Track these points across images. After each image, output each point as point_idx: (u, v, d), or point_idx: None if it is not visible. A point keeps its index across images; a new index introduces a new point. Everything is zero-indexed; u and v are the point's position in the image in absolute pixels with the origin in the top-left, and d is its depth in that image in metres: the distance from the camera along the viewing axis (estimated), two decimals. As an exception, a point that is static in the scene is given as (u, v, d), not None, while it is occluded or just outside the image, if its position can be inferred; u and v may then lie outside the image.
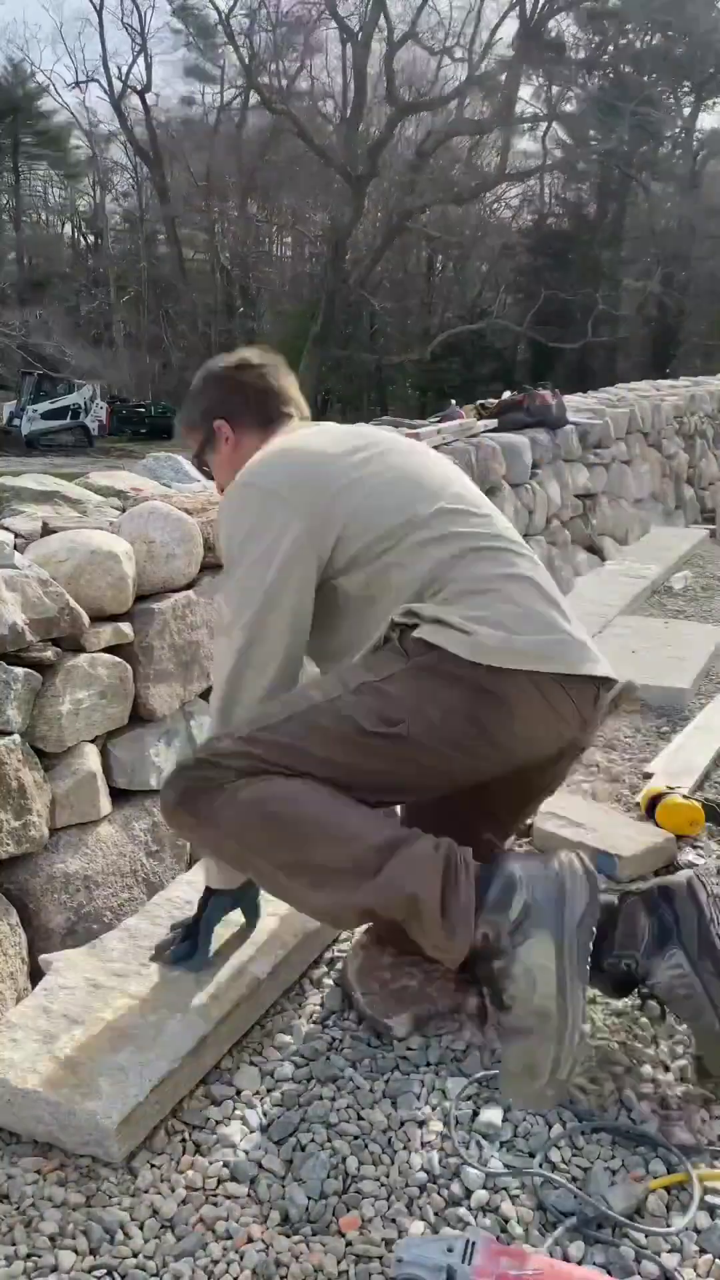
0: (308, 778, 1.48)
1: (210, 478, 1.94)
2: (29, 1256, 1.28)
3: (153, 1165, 1.42)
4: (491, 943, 1.38)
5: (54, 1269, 1.26)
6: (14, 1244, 1.30)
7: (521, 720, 1.51)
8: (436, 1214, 1.34)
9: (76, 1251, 1.28)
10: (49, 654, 1.90)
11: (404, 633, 1.53)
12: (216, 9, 31.00)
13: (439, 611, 1.51)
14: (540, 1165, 1.40)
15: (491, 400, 5.21)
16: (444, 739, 1.49)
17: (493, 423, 4.79)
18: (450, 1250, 1.20)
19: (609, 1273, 1.24)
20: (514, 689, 1.49)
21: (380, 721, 1.47)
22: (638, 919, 1.55)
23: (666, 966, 1.51)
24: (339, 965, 1.86)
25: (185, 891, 1.98)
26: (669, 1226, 1.31)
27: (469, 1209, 1.34)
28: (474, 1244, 1.20)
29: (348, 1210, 1.34)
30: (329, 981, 1.83)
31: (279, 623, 1.56)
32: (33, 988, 1.74)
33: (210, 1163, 1.42)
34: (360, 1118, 1.50)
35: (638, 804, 2.46)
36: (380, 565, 1.58)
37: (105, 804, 2.02)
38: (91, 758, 2.00)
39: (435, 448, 3.96)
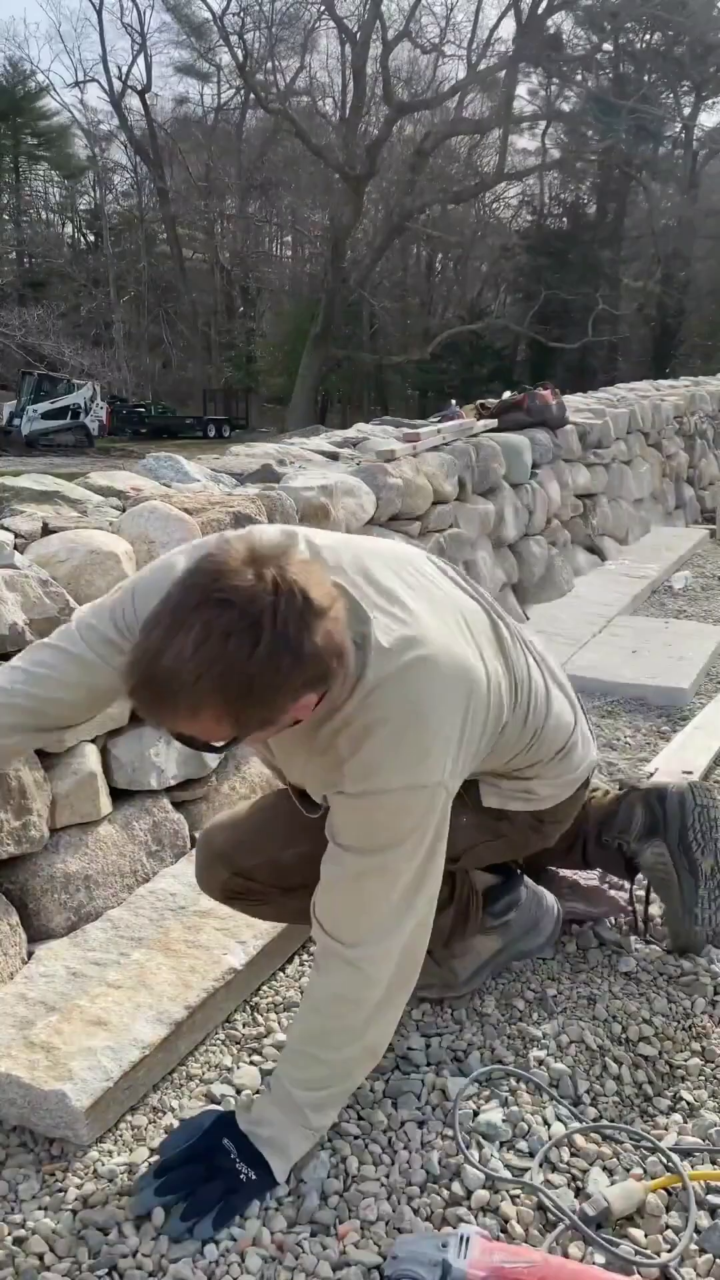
0: None
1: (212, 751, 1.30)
2: (19, 1258, 1.28)
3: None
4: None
5: (51, 1269, 1.26)
6: (7, 1246, 1.30)
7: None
8: (434, 1213, 1.34)
9: (74, 1252, 1.29)
10: (49, 654, 1.90)
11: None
12: (210, 9, 31.05)
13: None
14: (540, 1165, 1.40)
15: (491, 400, 5.21)
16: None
17: (493, 423, 4.79)
18: (445, 1246, 1.20)
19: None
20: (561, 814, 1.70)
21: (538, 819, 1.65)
22: (635, 810, 1.88)
23: (652, 851, 1.85)
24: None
25: (169, 884, 2.01)
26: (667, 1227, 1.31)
27: (469, 1209, 1.34)
28: (468, 1239, 1.20)
29: (349, 1210, 1.34)
30: (308, 973, 1.82)
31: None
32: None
33: (210, 1163, 1.42)
34: (360, 1118, 1.50)
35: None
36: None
37: (105, 804, 2.02)
38: (91, 758, 2.00)
39: (435, 448, 3.97)
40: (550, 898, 1.88)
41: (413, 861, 1.32)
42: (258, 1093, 1.55)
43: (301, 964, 1.90)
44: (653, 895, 1.95)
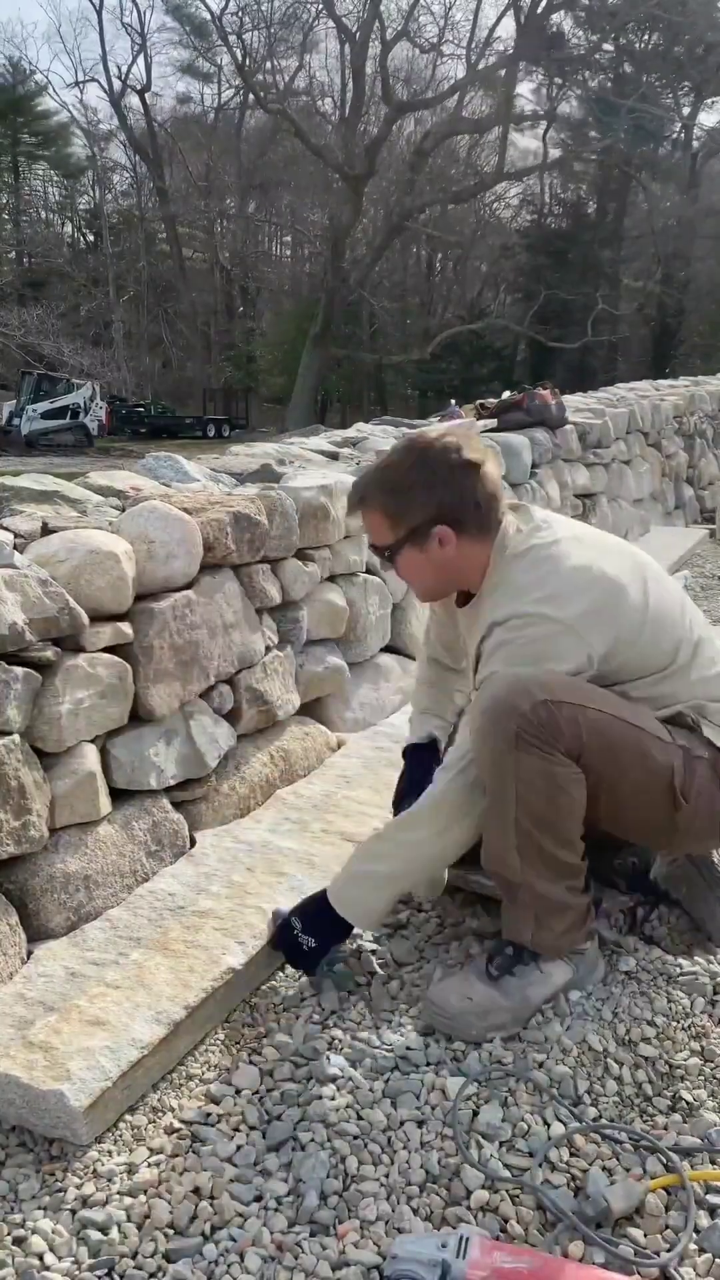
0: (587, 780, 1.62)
1: (387, 561, 1.79)
2: (19, 1257, 1.28)
3: (151, 1165, 1.43)
4: None
5: (51, 1269, 1.26)
6: (7, 1246, 1.30)
7: None
8: (434, 1213, 1.34)
9: (74, 1252, 1.29)
10: (49, 654, 1.90)
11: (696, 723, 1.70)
12: (209, 9, 31.02)
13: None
14: (540, 1166, 1.40)
15: (491, 400, 5.21)
16: (709, 821, 1.72)
17: (492, 422, 4.79)
18: (444, 1246, 1.20)
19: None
20: None
21: (682, 793, 1.66)
22: None
23: (664, 861, 1.91)
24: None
25: (168, 884, 2.02)
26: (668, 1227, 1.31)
27: (469, 1209, 1.34)
28: (468, 1239, 1.20)
29: (349, 1210, 1.34)
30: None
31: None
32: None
33: (210, 1162, 1.42)
34: (360, 1118, 1.50)
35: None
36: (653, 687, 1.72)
37: (105, 804, 2.02)
38: (91, 758, 2.00)
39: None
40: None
41: None
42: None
43: (301, 964, 1.90)
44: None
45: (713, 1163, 1.42)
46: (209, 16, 30.89)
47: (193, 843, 2.21)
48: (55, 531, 2.15)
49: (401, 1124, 1.49)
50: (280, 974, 1.87)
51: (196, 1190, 1.38)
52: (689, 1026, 1.68)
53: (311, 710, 2.88)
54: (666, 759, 1.65)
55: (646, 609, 1.70)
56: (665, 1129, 1.48)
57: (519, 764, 1.58)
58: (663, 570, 1.85)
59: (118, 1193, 1.38)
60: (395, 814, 2.00)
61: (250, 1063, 1.63)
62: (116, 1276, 1.26)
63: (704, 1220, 1.32)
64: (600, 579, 1.67)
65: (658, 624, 1.71)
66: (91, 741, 2.03)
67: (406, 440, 1.79)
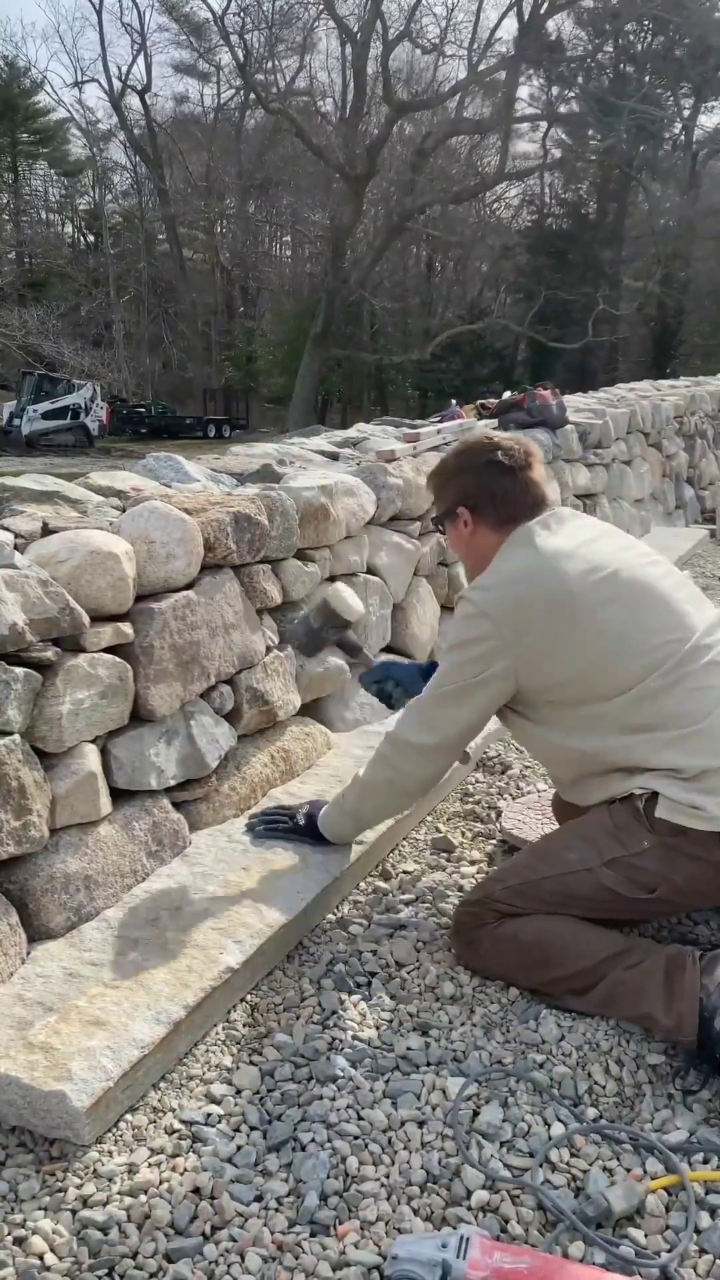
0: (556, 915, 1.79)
1: (440, 531, 2.20)
2: (19, 1257, 1.28)
3: (151, 1165, 1.43)
4: (704, 1005, 1.60)
5: (51, 1269, 1.26)
6: (7, 1246, 1.30)
7: None
8: (434, 1213, 1.34)
9: (74, 1252, 1.29)
10: (49, 654, 1.90)
11: (646, 803, 1.73)
12: (210, 8, 31.02)
13: (673, 788, 1.70)
14: (540, 1166, 1.40)
15: (492, 400, 5.21)
16: (690, 894, 1.78)
17: (493, 423, 4.79)
18: (444, 1246, 1.20)
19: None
20: None
21: (639, 889, 1.74)
22: None
23: None
24: (319, 955, 1.88)
25: (165, 884, 2.02)
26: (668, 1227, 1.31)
27: (469, 1209, 1.34)
28: (468, 1239, 1.20)
29: (349, 1210, 1.34)
30: (308, 973, 1.83)
31: (458, 732, 1.91)
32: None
33: (211, 1162, 1.42)
34: (360, 1118, 1.50)
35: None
36: (594, 711, 1.80)
37: (105, 804, 2.02)
38: (91, 758, 2.00)
39: (435, 448, 3.97)
40: None
41: (445, 678, 1.88)
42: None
43: (301, 963, 1.90)
44: None
45: (709, 1162, 1.42)
46: (210, 16, 30.91)
47: (193, 843, 2.21)
48: (56, 532, 2.15)
49: (402, 1124, 1.49)
50: (280, 973, 1.87)
51: (197, 1190, 1.38)
52: (689, 1027, 1.68)
53: (311, 711, 2.88)
54: (593, 880, 1.76)
55: (595, 620, 1.77)
56: (665, 1129, 1.48)
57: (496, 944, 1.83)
58: (677, 596, 1.84)
59: (118, 1193, 1.38)
60: None
61: (250, 1063, 1.63)
62: (117, 1276, 1.26)
63: (705, 1221, 1.32)
64: (539, 574, 1.82)
65: (616, 641, 1.76)
66: (92, 741, 2.03)
67: (464, 438, 2.17)
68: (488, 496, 1.95)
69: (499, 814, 2.51)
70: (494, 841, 2.40)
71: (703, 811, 1.66)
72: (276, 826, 2.23)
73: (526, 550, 1.86)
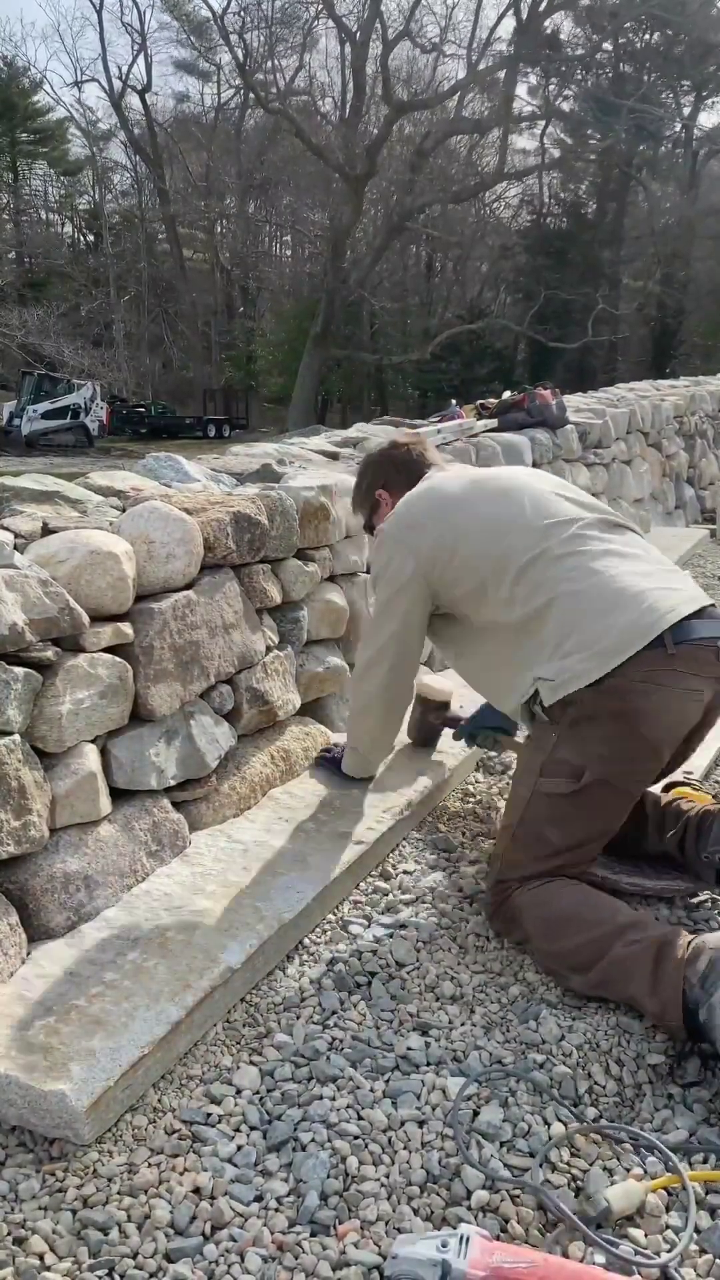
0: (561, 877, 1.90)
1: (374, 536, 2.42)
2: (19, 1257, 1.28)
3: (151, 1165, 1.43)
4: (687, 997, 1.60)
5: (51, 1269, 1.26)
6: (7, 1246, 1.30)
7: (657, 711, 1.83)
8: (434, 1213, 1.34)
9: (74, 1252, 1.28)
10: (49, 654, 1.90)
11: (538, 700, 1.91)
12: (210, 8, 31.02)
13: (549, 668, 1.89)
14: (540, 1166, 1.40)
15: (491, 400, 5.20)
16: (621, 760, 1.86)
17: (493, 422, 4.78)
18: (445, 1246, 1.20)
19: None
20: (633, 694, 1.81)
21: (572, 780, 1.86)
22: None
23: None
24: (319, 955, 1.88)
25: (165, 884, 2.02)
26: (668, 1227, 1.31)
27: (469, 1209, 1.34)
28: (468, 1239, 1.20)
29: (349, 1210, 1.34)
30: (308, 973, 1.83)
31: (388, 639, 2.23)
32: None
33: (211, 1162, 1.42)
34: (360, 1118, 1.50)
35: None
36: (490, 601, 2.04)
37: (105, 804, 2.02)
38: (91, 758, 2.00)
39: (435, 448, 3.96)
40: None
41: (376, 603, 2.24)
42: None
43: (301, 963, 1.90)
44: None
45: (708, 1161, 1.42)
46: (210, 16, 30.91)
47: (193, 843, 2.21)
48: (55, 532, 2.15)
49: (402, 1124, 1.49)
50: (280, 973, 1.87)
51: (197, 1190, 1.38)
52: (689, 1026, 1.68)
53: (312, 710, 2.88)
54: (542, 798, 1.91)
55: (473, 514, 2.11)
56: (665, 1129, 1.48)
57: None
58: (544, 490, 2.13)
59: (118, 1193, 1.38)
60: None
61: (250, 1063, 1.63)
62: (117, 1276, 1.26)
63: (704, 1220, 1.32)
64: (426, 494, 2.22)
65: (486, 534, 2.06)
66: (92, 741, 2.03)
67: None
68: (393, 471, 2.41)
69: (499, 814, 2.51)
70: (493, 841, 2.40)
71: (567, 672, 1.84)
72: (323, 759, 2.61)
73: (420, 485, 2.29)
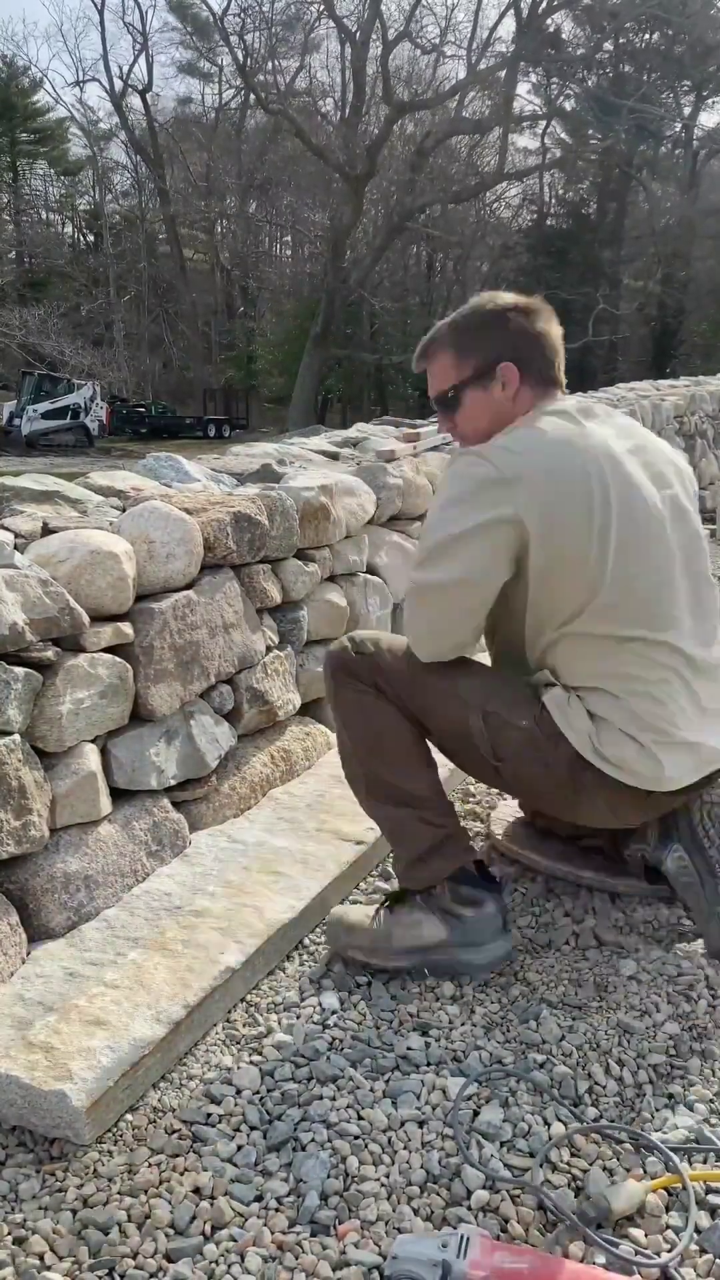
0: (407, 717, 1.79)
1: (446, 409, 1.83)
2: (19, 1257, 1.28)
3: (151, 1165, 1.43)
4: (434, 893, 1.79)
5: (51, 1269, 1.26)
6: (7, 1246, 1.30)
7: (605, 804, 1.77)
8: (434, 1213, 1.34)
9: (74, 1252, 1.29)
10: (49, 654, 1.90)
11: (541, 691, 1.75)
12: (210, 9, 31.03)
13: (570, 703, 1.71)
14: (540, 1166, 1.40)
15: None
16: (531, 789, 1.85)
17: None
18: (445, 1246, 1.20)
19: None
20: (598, 787, 1.73)
21: (490, 753, 1.76)
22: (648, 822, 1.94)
23: (672, 858, 1.90)
24: (319, 955, 1.88)
25: (164, 884, 2.02)
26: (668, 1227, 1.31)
27: (469, 1209, 1.34)
28: (468, 1239, 1.20)
29: (349, 1210, 1.34)
30: (308, 972, 1.83)
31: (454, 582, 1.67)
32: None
33: (211, 1162, 1.42)
34: (360, 1118, 1.50)
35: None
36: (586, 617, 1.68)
37: (105, 804, 2.02)
38: (91, 757, 2.00)
39: (435, 448, 3.97)
40: (508, 944, 1.85)
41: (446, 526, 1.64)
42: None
43: (301, 963, 1.90)
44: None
45: (707, 1162, 1.42)
46: (211, 17, 30.93)
47: (193, 843, 2.21)
48: (56, 531, 2.15)
49: (402, 1124, 1.49)
50: (280, 973, 1.87)
51: (197, 1190, 1.38)
52: (690, 1027, 1.69)
53: (312, 710, 2.88)
54: (461, 714, 1.74)
55: (610, 525, 1.60)
56: (665, 1129, 1.48)
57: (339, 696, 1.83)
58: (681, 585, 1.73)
59: (118, 1193, 1.38)
60: None
61: (251, 1063, 1.63)
62: (117, 1276, 1.26)
63: (705, 1220, 1.32)
64: (567, 452, 1.60)
65: (620, 549, 1.61)
66: (92, 741, 2.03)
67: (479, 298, 1.83)
68: (531, 348, 1.70)
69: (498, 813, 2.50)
70: (494, 840, 2.40)
71: (574, 735, 1.69)
72: None
73: (572, 427, 1.63)
